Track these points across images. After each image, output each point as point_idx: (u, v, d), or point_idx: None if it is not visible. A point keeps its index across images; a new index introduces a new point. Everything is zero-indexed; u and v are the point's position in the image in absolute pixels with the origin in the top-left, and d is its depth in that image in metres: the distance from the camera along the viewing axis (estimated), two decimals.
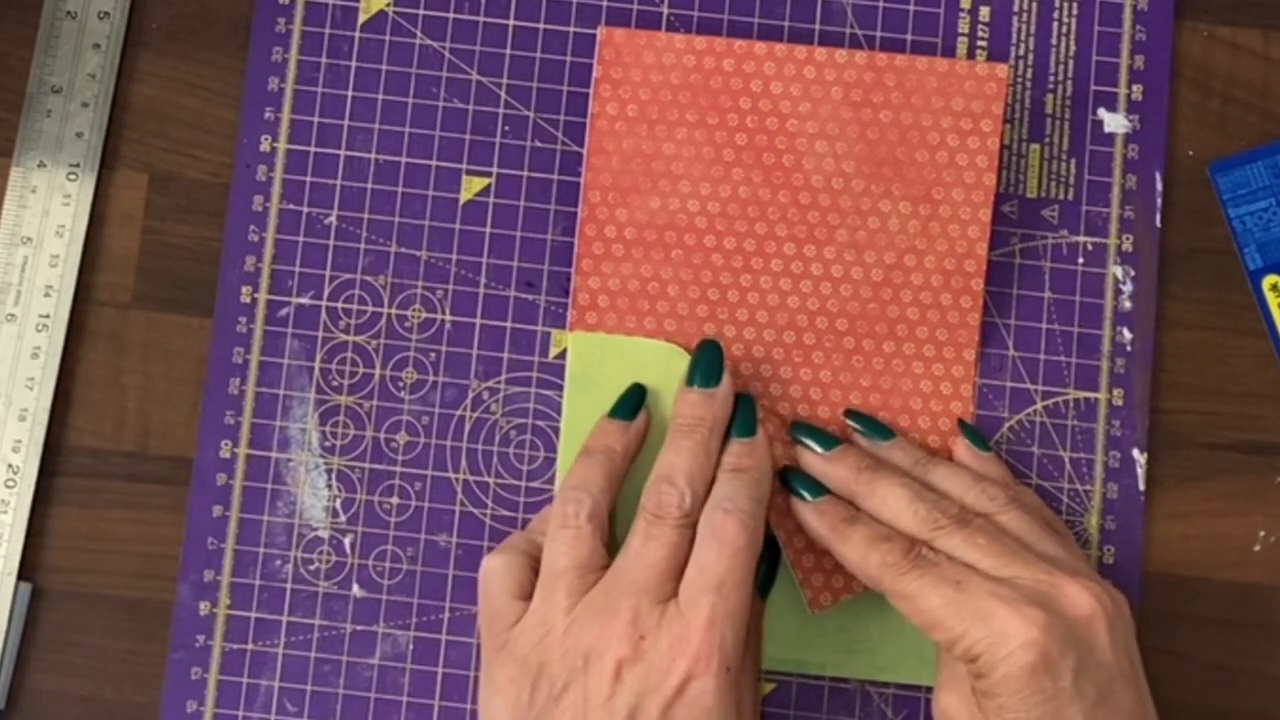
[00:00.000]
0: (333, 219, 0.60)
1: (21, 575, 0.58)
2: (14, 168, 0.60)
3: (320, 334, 0.60)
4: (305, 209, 0.60)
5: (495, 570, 0.54)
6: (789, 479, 0.56)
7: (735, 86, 0.59)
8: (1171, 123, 0.61)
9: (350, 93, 0.61)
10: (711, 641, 0.50)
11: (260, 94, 0.61)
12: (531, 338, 0.60)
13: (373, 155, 0.60)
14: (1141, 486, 0.59)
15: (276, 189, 0.60)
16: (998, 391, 0.59)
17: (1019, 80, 0.61)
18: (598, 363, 0.58)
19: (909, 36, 0.61)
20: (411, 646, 0.58)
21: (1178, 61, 0.61)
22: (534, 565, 0.54)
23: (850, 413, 0.58)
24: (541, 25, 0.61)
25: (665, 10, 0.61)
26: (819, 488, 0.56)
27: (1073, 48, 0.61)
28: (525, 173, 0.60)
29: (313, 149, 0.60)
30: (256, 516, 0.59)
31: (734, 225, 0.59)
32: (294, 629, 0.58)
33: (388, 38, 0.61)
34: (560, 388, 0.59)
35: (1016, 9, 0.61)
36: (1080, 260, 0.60)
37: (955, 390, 0.59)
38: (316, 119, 0.60)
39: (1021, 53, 0.61)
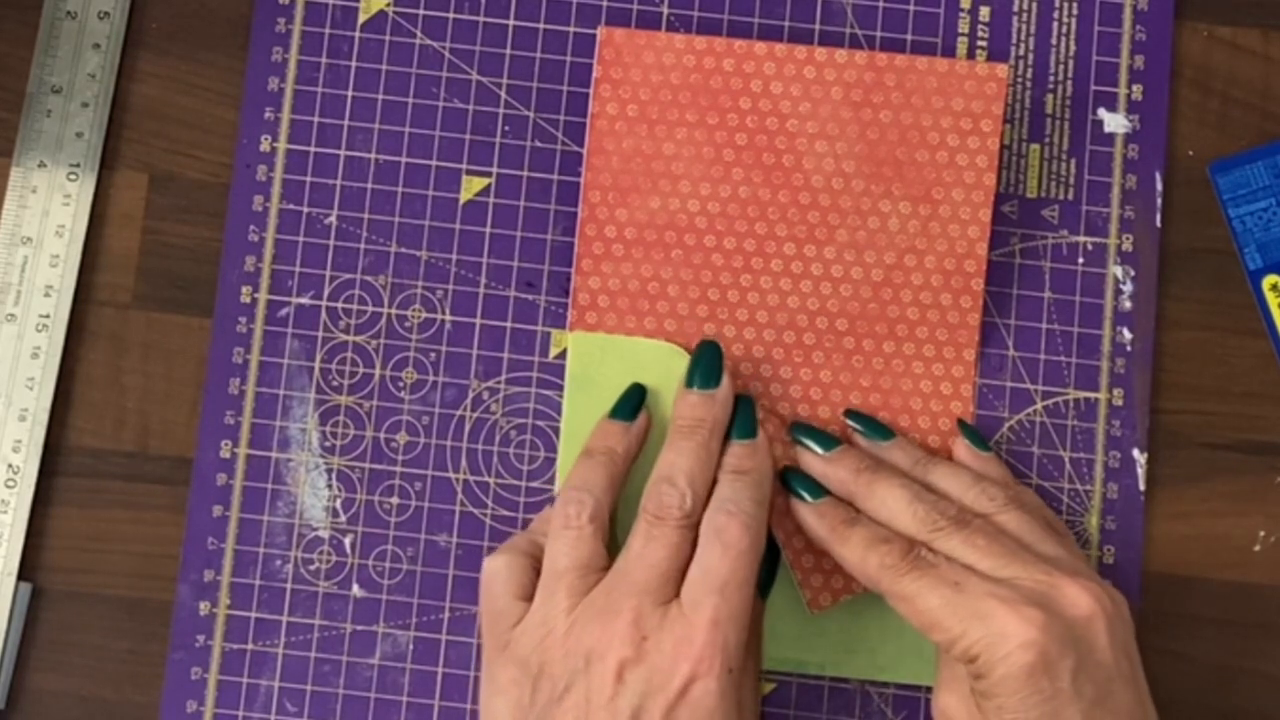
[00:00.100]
0: (333, 219, 0.60)
1: (21, 575, 0.58)
2: (14, 168, 0.60)
3: (320, 334, 0.60)
4: (305, 209, 0.60)
5: (497, 571, 0.54)
6: (789, 480, 0.56)
7: (735, 86, 0.59)
8: (1171, 123, 0.61)
9: (350, 93, 0.61)
10: (715, 643, 0.50)
11: (260, 94, 0.61)
12: (531, 338, 0.60)
13: (373, 155, 0.60)
14: (1141, 486, 0.59)
15: (276, 189, 0.60)
16: (998, 391, 0.59)
17: (1019, 80, 0.61)
18: (598, 363, 0.58)
19: (909, 36, 0.61)
20: (411, 646, 0.58)
21: (1178, 61, 0.61)
22: (536, 566, 0.54)
23: (850, 413, 0.58)
24: (541, 25, 0.61)
25: (665, 10, 0.61)
26: (819, 489, 0.56)
27: (1073, 48, 0.61)
28: (525, 173, 0.60)
29: (313, 149, 0.60)
30: (256, 516, 0.59)
31: (734, 225, 0.59)
32: (294, 629, 0.58)
33: (388, 38, 0.61)
34: (560, 388, 0.59)
35: (1016, 9, 0.61)
36: (1080, 260, 0.60)
37: (955, 390, 0.59)
38: (316, 119, 0.60)
39: (1021, 53, 0.61)
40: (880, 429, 0.58)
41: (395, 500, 0.59)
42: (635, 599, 0.51)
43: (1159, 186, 0.60)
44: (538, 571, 0.54)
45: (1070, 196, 0.60)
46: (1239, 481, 0.60)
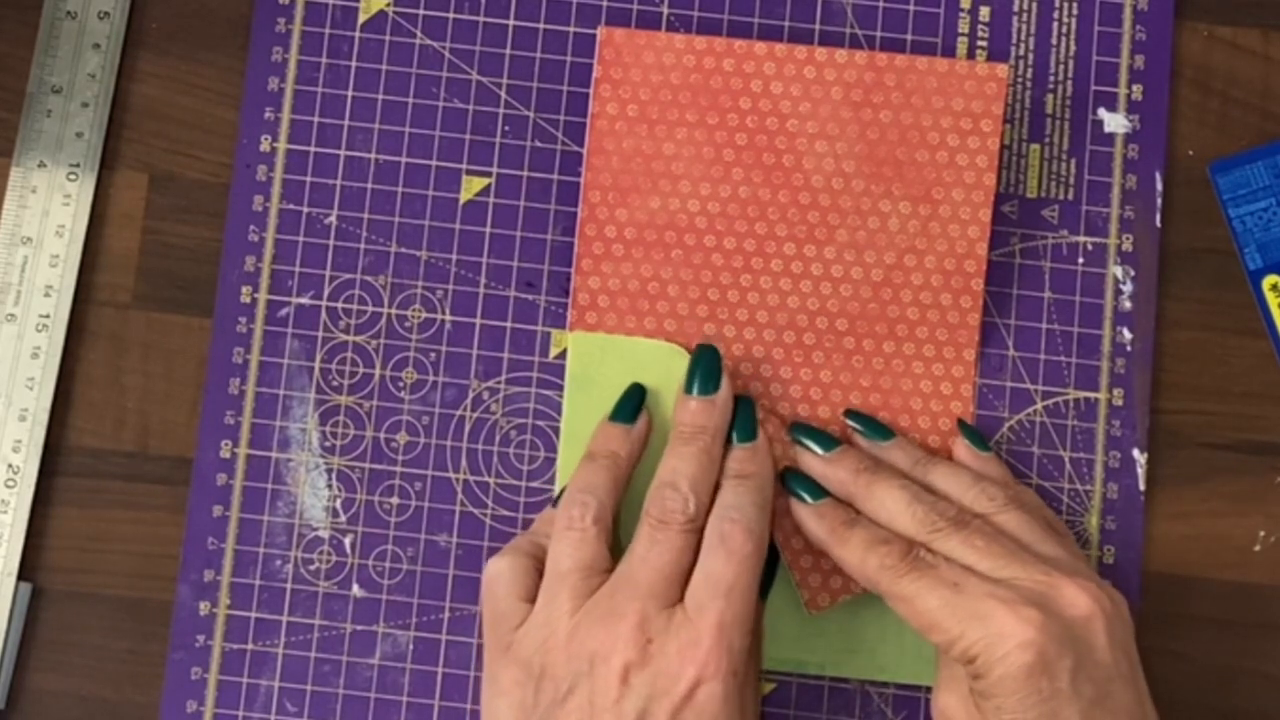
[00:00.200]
0: (333, 219, 0.60)
1: (21, 575, 0.58)
2: (14, 168, 0.60)
3: (320, 334, 0.60)
4: (305, 209, 0.60)
5: (500, 572, 0.54)
6: (788, 481, 0.56)
7: (735, 86, 0.59)
8: (1171, 123, 0.61)
9: (350, 93, 0.61)
10: (720, 647, 0.51)
11: (260, 94, 0.61)
12: (531, 338, 0.60)
13: (373, 155, 0.60)
14: (1141, 486, 0.59)
15: (276, 189, 0.60)
16: (998, 391, 0.59)
17: (1019, 80, 0.61)
18: (598, 363, 0.58)
19: (909, 36, 0.61)
20: (411, 646, 0.58)
21: (1178, 61, 0.61)
22: (538, 567, 0.54)
23: (850, 413, 0.58)
24: (541, 25, 0.61)
25: (665, 10, 0.61)
26: (818, 490, 0.56)
27: (1073, 48, 0.61)
28: (525, 173, 0.60)
29: (313, 149, 0.60)
30: (256, 516, 0.59)
31: (734, 225, 0.59)
32: (294, 629, 0.58)
33: (388, 38, 0.61)
34: (560, 388, 0.59)
35: (1016, 9, 0.61)
36: (1080, 260, 0.60)
37: (955, 390, 0.59)
38: (316, 119, 0.60)
39: (1021, 53, 0.61)
40: (880, 429, 0.58)
41: (395, 500, 0.59)
42: (640, 602, 0.51)
43: (1159, 186, 0.60)
44: (540, 573, 0.54)
45: (1070, 196, 0.60)
46: (1239, 481, 0.60)
